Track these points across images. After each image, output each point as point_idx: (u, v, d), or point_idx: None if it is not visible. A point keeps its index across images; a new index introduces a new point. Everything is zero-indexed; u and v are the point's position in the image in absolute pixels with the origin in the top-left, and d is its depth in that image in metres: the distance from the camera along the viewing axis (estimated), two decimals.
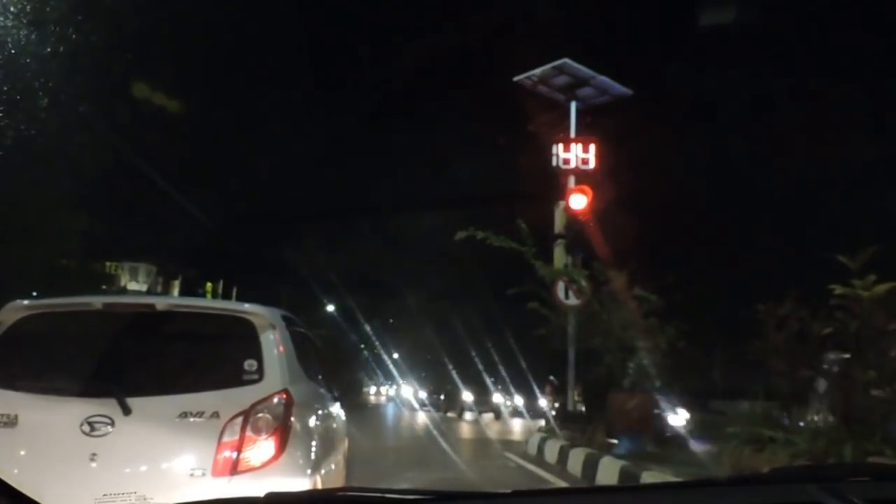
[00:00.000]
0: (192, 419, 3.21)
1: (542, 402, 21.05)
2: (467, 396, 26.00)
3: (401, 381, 40.24)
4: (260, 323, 3.54)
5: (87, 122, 12.39)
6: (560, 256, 13.11)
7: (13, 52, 10.17)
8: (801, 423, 7.65)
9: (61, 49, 10.76)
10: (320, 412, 4.10)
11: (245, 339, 3.47)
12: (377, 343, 34.62)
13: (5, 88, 10.59)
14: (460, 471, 9.44)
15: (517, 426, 22.17)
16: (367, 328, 32.97)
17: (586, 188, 12.70)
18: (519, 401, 26.08)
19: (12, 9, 9.46)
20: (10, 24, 9.64)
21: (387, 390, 53.51)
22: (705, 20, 13.07)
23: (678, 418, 13.05)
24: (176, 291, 28.84)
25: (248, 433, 3.23)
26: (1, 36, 9.67)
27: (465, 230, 12.59)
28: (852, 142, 17.82)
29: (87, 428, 3.13)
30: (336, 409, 4.95)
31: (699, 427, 11.77)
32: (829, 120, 18.12)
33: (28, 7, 9.74)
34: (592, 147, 13.37)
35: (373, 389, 53.85)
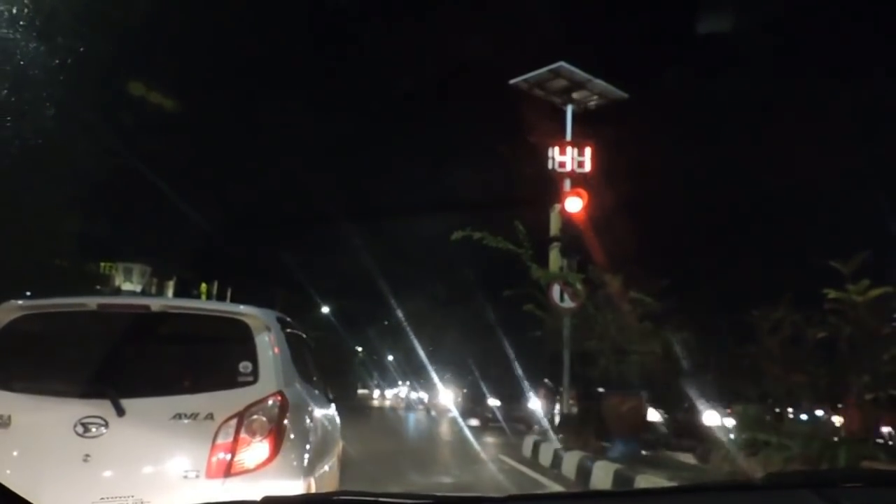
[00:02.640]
0: (186, 421, 3.20)
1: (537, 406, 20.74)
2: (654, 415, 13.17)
3: (438, 385, 29.47)
4: (255, 325, 3.53)
5: (84, 124, 12.36)
6: (556, 259, 13.12)
7: (11, 54, 10.16)
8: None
9: (60, 53, 10.77)
10: (315, 414, 4.09)
11: (240, 340, 3.46)
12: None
13: (3, 92, 10.58)
14: (454, 474, 9.43)
15: None
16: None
17: (582, 191, 12.71)
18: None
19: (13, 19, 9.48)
20: (7, 29, 9.65)
21: (395, 394, 47.24)
22: (703, 28, 13.11)
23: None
24: (170, 292, 28.73)
25: (243, 435, 3.22)
26: (5, 41, 9.69)
27: (463, 230, 12.62)
28: (847, 147, 17.93)
29: (80, 429, 3.12)
30: (331, 411, 4.94)
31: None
32: (825, 126, 18.21)
33: (25, 10, 9.75)
34: (588, 150, 13.40)
35: (376, 393, 48.54)
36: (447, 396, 28.22)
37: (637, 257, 12.21)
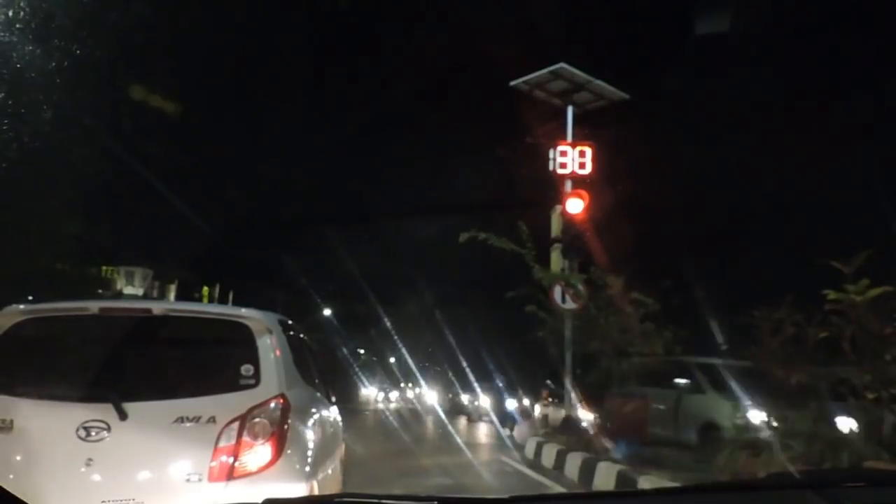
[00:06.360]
0: (188, 424, 3.21)
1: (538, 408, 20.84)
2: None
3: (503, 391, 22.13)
4: (257, 327, 3.53)
5: (85, 128, 12.37)
6: (557, 260, 13.12)
7: (13, 57, 10.19)
8: None
9: (61, 57, 10.79)
10: (317, 417, 4.09)
11: (242, 343, 3.47)
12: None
13: (4, 95, 10.60)
14: (456, 475, 9.42)
15: None
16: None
17: (583, 192, 12.71)
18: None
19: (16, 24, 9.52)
20: (5, 32, 9.68)
21: (398, 396, 45.12)
22: (702, 29, 13.09)
23: None
24: (172, 296, 28.71)
25: (245, 438, 3.22)
26: (3, 44, 9.72)
27: (468, 231, 12.63)
28: (847, 148, 17.90)
29: (82, 433, 3.12)
30: (333, 413, 4.94)
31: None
32: (825, 126, 18.19)
33: (22, 14, 9.78)
34: (589, 151, 13.40)
35: (380, 396, 46.05)
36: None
37: (638, 258, 12.20)
